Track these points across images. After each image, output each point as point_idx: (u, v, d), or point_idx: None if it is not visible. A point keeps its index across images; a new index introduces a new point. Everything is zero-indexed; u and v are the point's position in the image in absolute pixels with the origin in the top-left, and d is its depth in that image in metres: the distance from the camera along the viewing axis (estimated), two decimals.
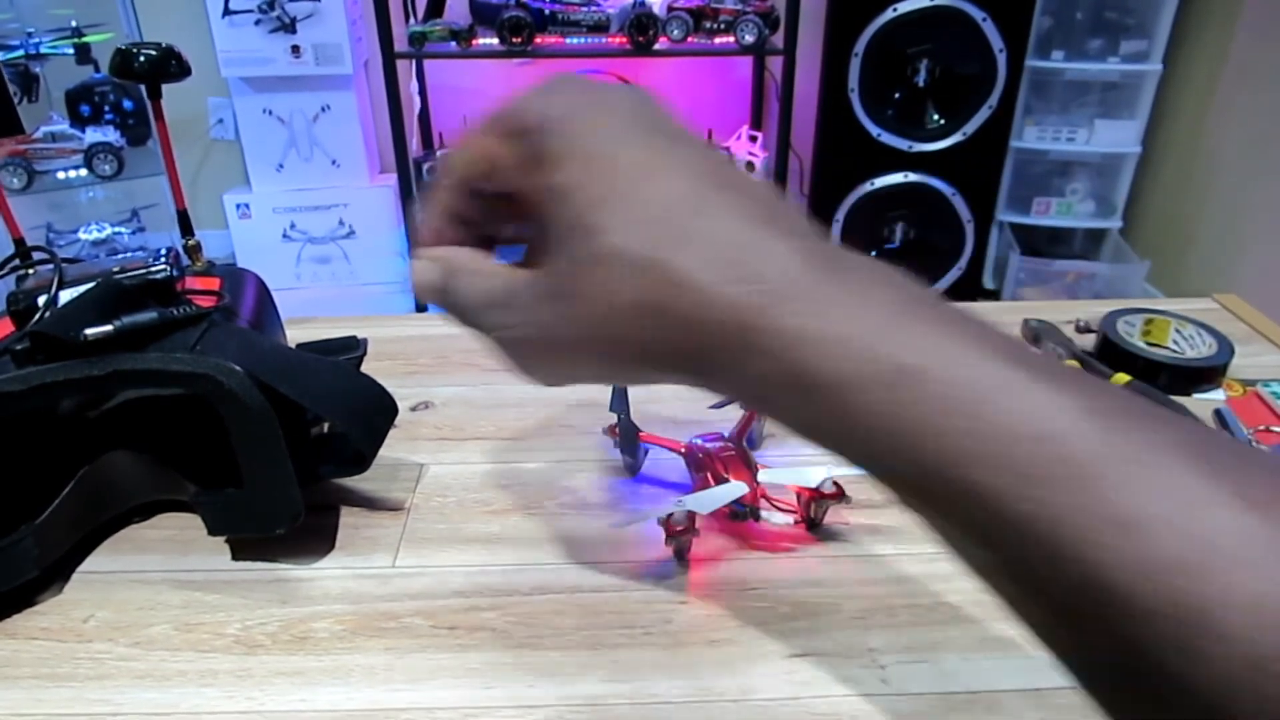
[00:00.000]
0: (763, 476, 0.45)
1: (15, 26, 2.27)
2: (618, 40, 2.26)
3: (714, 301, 0.23)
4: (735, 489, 0.43)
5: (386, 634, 0.38)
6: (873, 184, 2.25)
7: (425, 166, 2.46)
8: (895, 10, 2.09)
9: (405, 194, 2.40)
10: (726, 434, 0.48)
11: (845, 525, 0.45)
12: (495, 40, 2.21)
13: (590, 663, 0.37)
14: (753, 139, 2.46)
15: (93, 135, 2.29)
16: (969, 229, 2.31)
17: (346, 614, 0.40)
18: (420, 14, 2.33)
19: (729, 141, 2.48)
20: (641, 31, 2.19)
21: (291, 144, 2.58)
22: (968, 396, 0.20)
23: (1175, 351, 0.58)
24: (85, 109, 2.33)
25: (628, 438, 0.48)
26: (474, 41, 2.25)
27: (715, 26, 2.25)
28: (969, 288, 2.39)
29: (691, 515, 0.41)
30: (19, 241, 0.78)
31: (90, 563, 0.42)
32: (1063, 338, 0.60)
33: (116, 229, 2.42)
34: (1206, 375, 0.56)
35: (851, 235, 2.33)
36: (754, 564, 0.42)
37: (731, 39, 2.24)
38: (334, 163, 2.62)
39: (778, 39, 2.25)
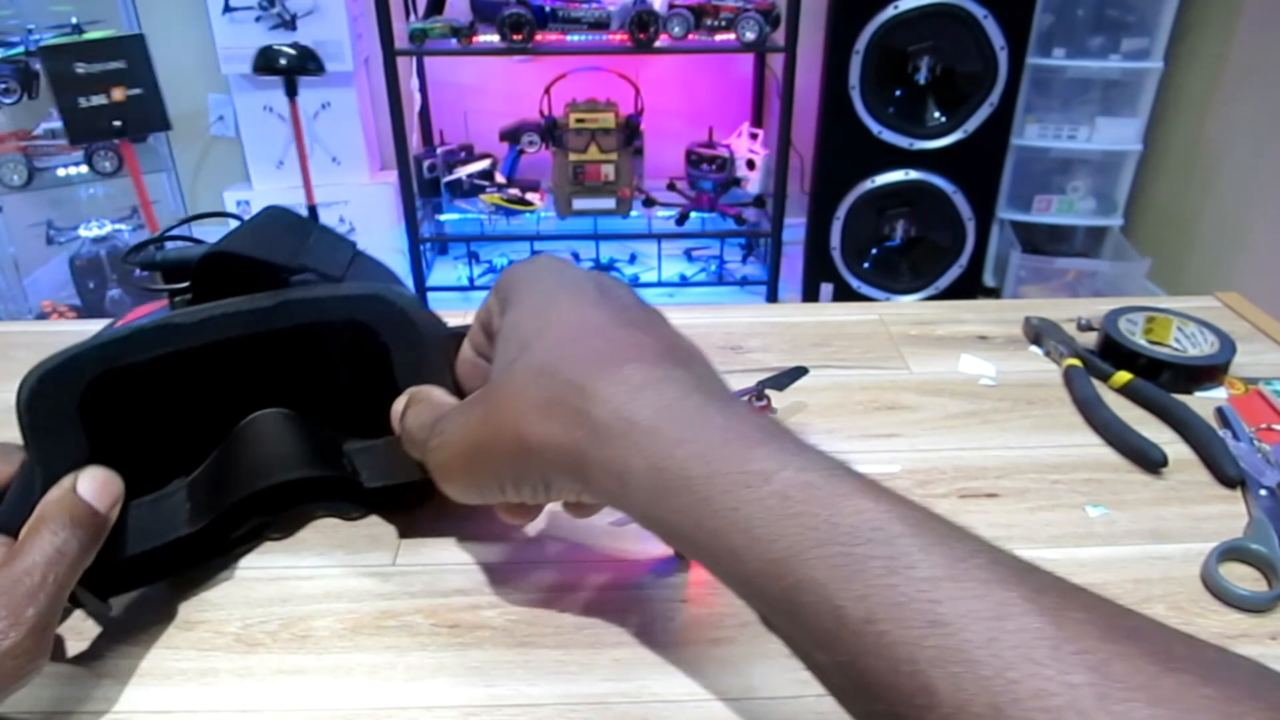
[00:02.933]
0: None
1: (15, 23, 2.27)
2: (618, 37, 2.26)
3: (604, 400, 0.28)
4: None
5: (387, 632, 0.38)
6: (873, 181, 2.25)
7: (425, 164, 2.45)
8: (896, 8, 2.09)
9: (406, 191, 2.40)
10: None
11: None
12: (496, 37, 2.21)
13: (591, 661, 0.37)
14: (753, 136, 2.46)
15: None
16: (970, 227, 2.31)
17: (347, 612, 0.39)
18: (421, 11, 2.33)
19: (730, 139, 2.48)
20: (642, 28, 2.19)
21: (292, 141, 2.58)
22: (799, 497, 0.24)
23: (1177, 350, 0.58)
24: None
25: None
26: (474, 38, 2.25)
27: (716, 24, 2.24)
28: (970, 285, 2.39)
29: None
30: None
31: None
32: (1064, 335, 0.60)
33: (117, 226, 2.42)
34: (1208, 373, 0.56)
35: (852, 233, 2.33)
36: None
37: (732, 36, 2.24)
38: (334, 160, 2.62)
39: (779, 36, 2.25)
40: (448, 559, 0.43)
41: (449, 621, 0.39)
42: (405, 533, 0.44)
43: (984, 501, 0.46)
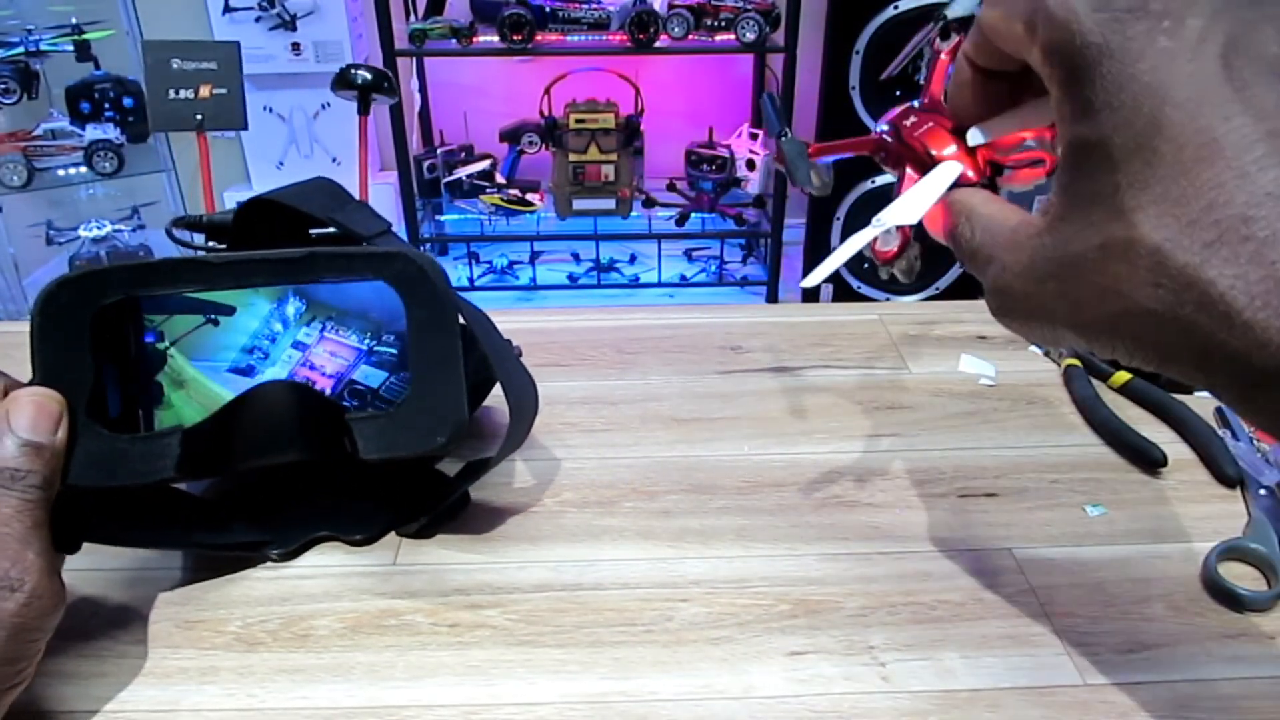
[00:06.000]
0: (977, 135, 0.32)
1: (15, 24, 2.27)
2: (618, 38, 2.26)
3: (1265, 343, 0.19)
4: (944, 175, 0.32)
5: (387, 631, 0.38)
6: (874, 182, 2.25)
7: (425, 164, 2.45)
8: (896, 8, 2.09)
9: (406, 191, 2.40)
10: (916, 104, 0.37)
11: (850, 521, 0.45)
12: (495, 38, 2.21)
13: (591, 660, 0.37)
14: (753, 136, 2.46)
15: (93, 132, 2.28)
16: None
17: (347, 611, 0.40)
18: (421, 11, 2.33)
19: (730, 139, 2.48)
20: (642, 29, 2.19)
21: (292, 141, 2.58)
22: None
23: None
24: (85, 106, 2.32)
25: (796, 158, 0.41)
26: (474, 39, 2.25)
27: (716, 24, 2.25)
28: (970, 286, 2.39)
29: (904, 230, 0.34)
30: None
31: (90, 560, 0.42)
32: None
33: (117, 226, 2.42)
34: None
35: (852, 233, 2.33)
36: (754, 562, 0.42)
37: (732, 36, 2.24)
38: (334, 160, 2.61)
39: (779, 36, 2.25)
40: (448, 558, 0.43)
41: (449, 621, 0.39)
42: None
43: (983, 501, 0.46)
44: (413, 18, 2.32)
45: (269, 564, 0.42)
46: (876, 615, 0.39)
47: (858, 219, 2.31)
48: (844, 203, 2.29)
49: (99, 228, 2.39)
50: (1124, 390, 0.55)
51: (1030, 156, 0.32)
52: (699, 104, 2.63)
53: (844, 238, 2.33)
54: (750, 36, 2.21)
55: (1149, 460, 0.48)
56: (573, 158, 2.40)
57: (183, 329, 0.41)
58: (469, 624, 0.39)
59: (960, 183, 0.31)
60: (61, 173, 2.31)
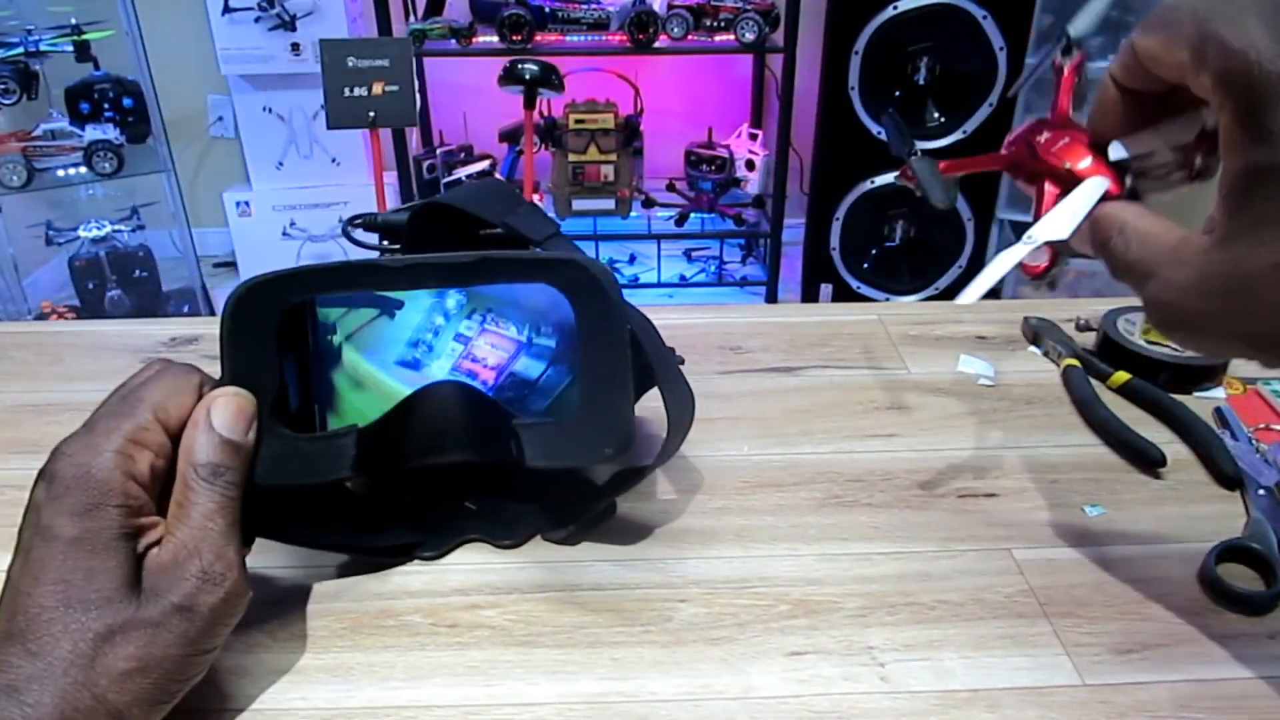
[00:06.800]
0: (1120, 149, 0.33)
1: (15, 24, 2.27)
2: (618, 38, 2.26)
3: None
4: (1092, 190, 0.33)
5: (386, 632, 0.38)
6: (873, 182, 2.25)
7: (425, 164, 2.45)
8: (896, 8, 2.09)
9: (405, 191, 2.40)
10: (1048, 117, 0.37)
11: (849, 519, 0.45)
12: (495, 38, 2.21)
13: (590, 660, 0.37)
14: (753, 137, 2.46)
15: (92, 133, 2.28)
16: (969, 227, 2.31)
17: (346, 612, 0.40)
18: (420, 12, 2.33)
19: (729, 139, 2.48)
20: (642, 29, 2.19)
21: (291, 142, 2.58)
22: None
23: (1175, 349, 0.58)
24: (85, 106, 2.32)
25: (929, 177, 0.41)
26: (474, 39, 2.25)
27: (715, 24, 2.25)
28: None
29: (1052, 245, 0.34)
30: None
31: None
32: (1063, 336, 0.60)
33: (116, 227, 2.42)
34: (1207, 373, 0.56)
35: (852, 233, 2.33)
36: (754, 562, 0.42)
37: (732, 37, 2.24)
38: (334, 161, 2.61)
39: (778, 37, 2.25)
40: (447, 558, 0.43)
41: (448, 621, 0.39)
42: None
43: (983, 501, 0.46)
44: (412, 18, 2.32)
45: (265, 565, 0.42)
46: (876, 615, 0.39)
47: (857, 219, 2.32)
48: (843, 203, 2.29)
49: (98, 228, 2.39)
50: (1123, 390, 0.55)
51: (1166, 163, 0.33)
52: (698, 104, 2.63)
53: (844, 237, 2.34)
54: (750, 37, 2.21)
55: (1148, 460, 0.48)
56: (572, 158, 2.40)
57: (356, 323, 0.41)
58: (468, 624, 0.39)
59: (1107, 196, 0.32)
60: (61, 173, 2.31)
